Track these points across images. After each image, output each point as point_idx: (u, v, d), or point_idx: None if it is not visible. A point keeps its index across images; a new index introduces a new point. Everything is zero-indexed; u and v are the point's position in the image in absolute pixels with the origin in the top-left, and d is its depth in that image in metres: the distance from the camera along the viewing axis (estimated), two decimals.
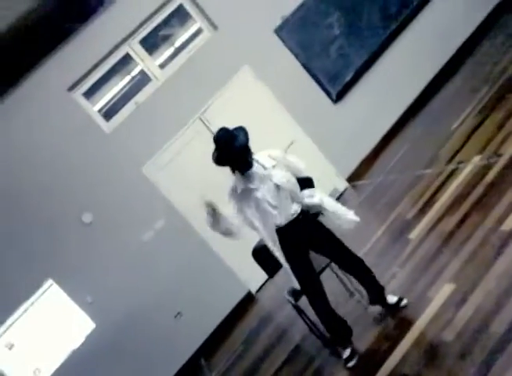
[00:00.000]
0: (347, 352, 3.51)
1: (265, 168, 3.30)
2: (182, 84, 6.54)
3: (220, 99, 6.80)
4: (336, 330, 3.58)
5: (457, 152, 5.05)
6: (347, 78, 7.20)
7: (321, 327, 4.02)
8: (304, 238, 3.42)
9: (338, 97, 7.17)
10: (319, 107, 7.05)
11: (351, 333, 3.58)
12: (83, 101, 6.41)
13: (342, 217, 3.49)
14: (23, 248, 5.70)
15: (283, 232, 3.34)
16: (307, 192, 3.44)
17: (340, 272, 4.12)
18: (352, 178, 7.04)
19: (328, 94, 7.16)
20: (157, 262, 6.10)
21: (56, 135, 6.04)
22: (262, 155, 3.40)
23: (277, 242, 3.34)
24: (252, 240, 4.30)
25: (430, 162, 5.43)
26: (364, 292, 4.08)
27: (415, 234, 4.31)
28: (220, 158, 3.31)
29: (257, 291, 6.46)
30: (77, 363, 5.64)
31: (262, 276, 4.31)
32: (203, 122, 6.72)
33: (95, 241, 5.99)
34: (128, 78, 6.94)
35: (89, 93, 6.54)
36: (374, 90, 7.12)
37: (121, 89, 6.86)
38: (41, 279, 5.79)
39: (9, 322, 5.66)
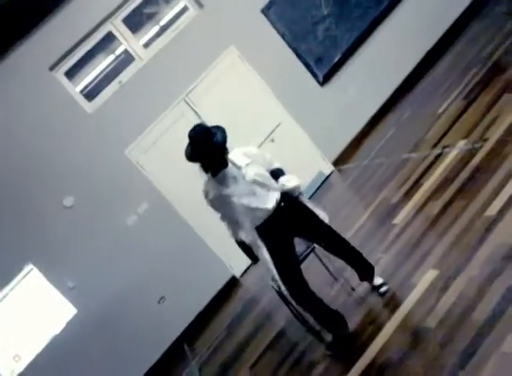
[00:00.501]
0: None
1: (238, 167, 3.22)
2: (167, 64, 6.41)
3: (205, 80, 6.68)
4: (328, 319, 3.49)
5: (443, 136, 5.00)
6: (335, 60, 7.10)
7: (305, 313, 4.00)
8: (290, 224, 3.35)
9: (325, 79, 7.08)
10: (305, 89, 6.96)
11: (343, 319, 3.51)
12: (65, 81, 6.26)
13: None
14: (2, 232, 5.59)
15: (265, 227, 3.26)
16: (284, 178, 3.37)
17: (323, 257, 4.08)
18: (338, 162, 6.99)
19: (315, 76, 7.07)
20: (140, 246, 6.02)
21: (37, 116, 5.90)
22: (236, 153, 3.31)
23: (258, 239, 3.27)
24: None
25: (415, 146, 5.38)
26: (347, 275, 4.07)
27: (400, 219, 4.28)
28: (194, 154, 3.19)
29: (241, 275, 6.43)
30: (57, 349, 5.58)
31: (246, 260, 4.24)
32: (188, 104, 6.61)
33: (77, 225, 5.89)
34: (111, 58, 6.78)
35: (71, 73, 6.38)
36: (361, 73, 7.04)
37: (104, 69, 6.72)
38: (21, 263, 5.69)
39: None
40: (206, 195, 3.31)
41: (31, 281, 5.74)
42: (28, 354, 5.67)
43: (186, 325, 6.06)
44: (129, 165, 6.22)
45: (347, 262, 3.65)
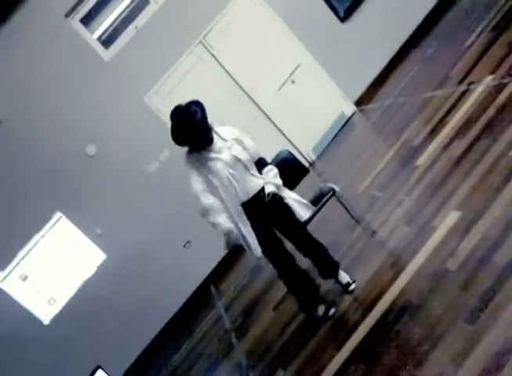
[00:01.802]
0: (320, 310, 3.50)
1: (225, 140, 3.18)
2: (182, 6, 6.24)
3: (222, 21, 6.51)
4: (304, 295, 3.55)
5: (469, 72, 4.81)
6: None
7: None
8: (265, 214, 3.29)
9: (346, 15, 6.82)
10: (325, 27, 6.73)
11: (317, 292, 3.59)
12: (81, 28, 6.17)
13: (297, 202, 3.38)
14: (30, 183, 5.72)
15: (247, 206, 3.23)
16: (266, 168, 3.32)
17: (344, 201, 4.07)
18: (360, 102, 6.84)
19: (335, 12, 6.81)
20: (163, 192, 6.09)
21: (55, 65, 5.88)
22: (222, 129, 3.26)
23: (243, 215, 3.22)
24: None
25: (440, 83, 5.20)
26: (369, 219, 4.07)
27: (422, 160, 4.19)
28: (182, 138, 3.16)
29: None
30: (89, 293, 5.82)
31: None
32: (205, 47, 6.49)
33: (101, 173, 5.98)
34: (126, 2, 6.61)
35: (87, 20, 6.27)
36: (383, 8, 6.74)
37: (120, 14, 6.57)
38: (50, 212, 5.86)
39: (21, 255, 5.78)
40: (190, 159, 3.22)
41: (61, 229, 5.91)
42: (62, 297, 5.93)
43: (212, 268, 6.21)
44: (149, 112, 6.21)
45: (313, 260, 3.59)
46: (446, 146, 4.05)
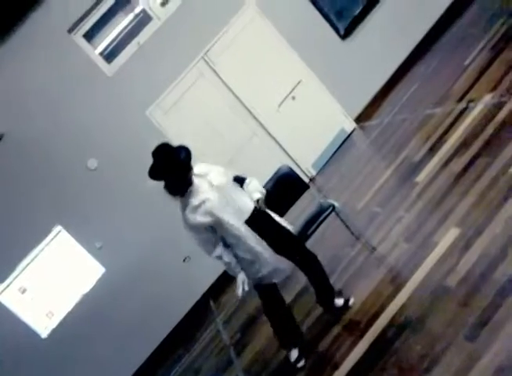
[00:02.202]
0: (294, 354, 3.50)
1: (203, 176, 3.19)
2: (184, 23, 6.31)
3: (224, 37, 6.58)
4: (286, 334, 3.55)
5: (469, 90, 4.85)
6: (356, 12, 6.89)
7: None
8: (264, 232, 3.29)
9: (346, 33, 6.89)
10: (326, 44, 6.80)
11: (301, 336, 3.59)
12: (83, 43, 6.23)
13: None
14: (31, 196, 5.73)
15: (251, 220, 3.22)
16: (246, 181, 3.35)
17: (344, 217, 4.08)
18: (360, 119, 6.88)
19: (336, 30, 6.89)
20: (164, 207, 6.05)
21: (57, 80, 5.93)
22: (196, 167, 3.26)
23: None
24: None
25: (440, 101, 5.25)
26: (369, 235, 4.08)
27: (422, 177, 4.22)
28: (158, 172, 3.12)
29: None
30: (88, 307, 5.80)
31: None
32: (207, 62, 6.54)
33: (102, 187, 5.99)
34: (129, 18, 6.69)
35: (90, 35, 6.34)
36: (383, 25, 6.82)
37: (122, 30, 6.64)
38: (50, 225, 5.86)
39: (20, 267, 5.77)
40: (184, 211, 3.19)
41: (60, 242, 5.91)
42: (60, 311, 5.91)
43: (211, 282, 6.19)
44: (150, 126, 6.25)
45: (310, 278, 3.58)
46: (446, 163, 4.08)
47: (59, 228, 5.87)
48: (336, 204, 3.93)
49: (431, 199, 3.80)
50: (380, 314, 3.17)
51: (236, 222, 3.16)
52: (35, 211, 5.73)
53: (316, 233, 3.94)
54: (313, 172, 6.83)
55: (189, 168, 3.12)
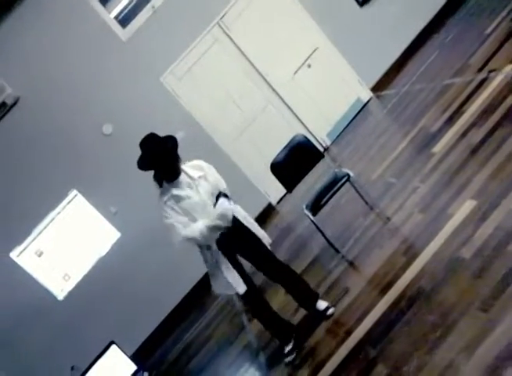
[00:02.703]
0: (289, 347, 3.53)
1: (192, 178, 3.23)
2: None
3: (239, 2, 6.47)
4: (279, 331, 3.59)
5: (489, 60, 4.75)
6: None
7: (338, 242, 4.06)
8: (231, 243, 3.33)
9: (365, 0, 6.72)
10: (344, 11, 6.66)
11: (294, 330, 3.61)
12: (99, 7, 6.15)
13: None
14: (47, 160, 5.78)
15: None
16: (219, 203, 3.27)
17: (358, 187, 4.08)
18: (377, 88, 6.79)
19: None
20: None
21: (73, 43, 5.91)
22: (188, 167, 3.30)
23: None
24: (272, 154, 4.26)
25: (459, 70, 5.15)
26: (383, 205, 4.07)
27: (439, 147, 4.17)
28: (147, 161, 3.16)
29: (278, 202, 6.51)
30: (104, 270, 5.90)
31: (282, 188, 4.29)
32: (222, 28, 6.45)
33: (116, 153, 6.00)
34: None
35: None
36: None
37: None
38: (66, 189, 5.92)
39: (37, 231, 5.86)
40: (162, 198, 3.21)
41: (76, 206, 5.99)
42: (77, 274, 6.02)
43: None
44: (165, 93, 6.22)
45: (286, 289, 3.59)
46: (464, 134, 4.03)
47: (74, 192, 5.93)
48: (351, 174, 3.92)
49: (448, 170, 3.77)
50: (392, 285, 3.19)
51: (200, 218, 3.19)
52: (51, 175, 5.79)
53: (330, 202, 3.95)
54: (328, 142, 6.79)
55: (177, 157, 3.19)
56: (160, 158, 3.13)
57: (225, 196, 3.33)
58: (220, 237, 3.26)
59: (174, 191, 3.18)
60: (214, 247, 3.27)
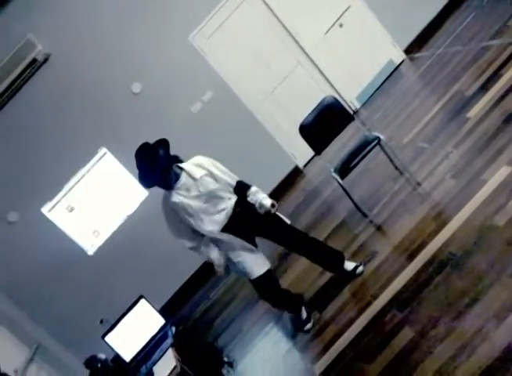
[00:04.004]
0: (304, 315, 3.59)
1: (194, 178, 3.16)
2: None
3: None
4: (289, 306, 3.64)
5: None
6: None
7: (366, 206, 4.04)
8: (247, 227, 3.32)
9: None
10: None
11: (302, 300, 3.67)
12: None
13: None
14: (77, 119, 5.82)
15: (225, 229, 3.27)
16: (257, 193, 3.29)
17: (389, 151, 4.02)
18: (410, 50, 6.60)
19: None
20: (204, 134, 6.11)
21: (103, 3, 5.85)
22: (189, 164, 3.23)
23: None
24: (299, 116, 4.21)
25: (498, 32, 4.97)
26: (414, 169, 4.02)
27: (474, 112, 4.07)
28: (149, 181, 3.21)
29: (305, 166, 6.48)
30: (132, 228, 6.00)
31: (309, 151, 4.26)
32: None
33: (145, 111, 6.01)
34: None
35: None
36: None
37: None
38: (96, 147, 5.98)
39: (68, 187, 5.97)
40: (165, 204, 3.27)
41: (106, 164, 6.05)
42: (106, 230, 6.15)
43: None
44: (193, 52, 6.15)
45: (314, 261, 3.58)
46: (500, 99, 3.92)
47: (104, 150, 5.99)
48: (381, 137, 3.87)
49: (482, 136, 3.69)
50: (421, 250, 3.18)
51: (212, 228, 3.24)
52: (81, 133, 5.84)
53: (359, 166, 3.92)
54: (357, 105, 6.67)
55: (171, 164, 3.16)
56: (159, 174, 3.12)
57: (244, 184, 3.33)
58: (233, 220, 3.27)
59: (176, 197, 3.19)
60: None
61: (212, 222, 3.23)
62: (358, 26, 6.57)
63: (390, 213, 3.89)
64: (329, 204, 5.09)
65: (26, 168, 5.75)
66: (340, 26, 6.60)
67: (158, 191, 5.70)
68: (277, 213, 3.37)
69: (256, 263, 3.33)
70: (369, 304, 3.21)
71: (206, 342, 4.63)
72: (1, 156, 5.72)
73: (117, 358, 3.83)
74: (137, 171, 3.23)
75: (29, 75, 5.63)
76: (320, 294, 3.79)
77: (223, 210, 3.24)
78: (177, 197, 3.19)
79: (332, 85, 6.61)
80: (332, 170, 4.03)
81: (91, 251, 6.11)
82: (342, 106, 4.23)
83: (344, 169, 3.93)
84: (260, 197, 3.27)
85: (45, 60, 5.68)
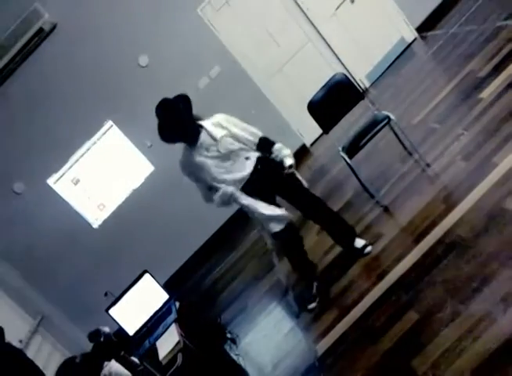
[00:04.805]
0: (314, 290, 3.60)
1: (214, 138, 3.12)
2: None
3: None
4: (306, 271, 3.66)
5: None
6: None
7: (373, 187, 4.01)
8: (267, 185, 3.31)
9: None
10: None
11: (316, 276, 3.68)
12: None
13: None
14: (83, 91, 5.77)
15: (245, 188, 3.25)
16: (282, 148, 3.30)
17: (398, 131, 3.97)
18: (423, 28, 6.47)
19: None
20: (212, 109, 6.01)
21: None
22: (209, 123, 3.18)
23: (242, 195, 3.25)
24: (307, 93, 4.15)
25: None
26: (423, 151, 3.97)
27: (487, 93, 3.99)
28: (169, 135, 3.16)
29: (312, 144, 6.42)
30: (137, 202, 6.00)
31: (317, 129, 4.21)
32: None
33: (152, 85, 5.92)
34: None
35: None
36: None
37: None
38: (102, 120, 5.93)
39: (73, 159, 5.94)
40: (183, 164, 3.28)
41: (112, 137, 6.01)
42: (111, 204, 6.15)
43: None
44: (201, 25, 6.04)
45: (326, 229, 3.58)
46: None
47: (110, 123, 5.94)
48: (391, 116, 3.81)
49: (495, 118, 3.62)
50: (429, 231, 3.15)
51: (232, 188, 3.21)
52: (87, 105, 5.78)
53: (368, 145, 3.86)
54: (367, 84, 6.57)
55: (190, 122, 3.12)
56: (180, 127, 3.09)
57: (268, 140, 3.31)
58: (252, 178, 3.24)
59: (195, 157, 3.17)
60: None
61: (232, 181, 3.21)
62: (370, 2, 6.43)
63: (398, 194, 3.85)
64: (335, 184, 5.05)
65: (32, 139, 5.73)
66: (352, 1, 6.47)
67: (165, 165, 5.67)
68: (297, 176, 3.36)
69: (275, 218, 3.31)
70: (374, 284, 3.19)
71: (209, 318, 4.65)
72: (8, 126, 5.69)
73: (121, 331, 3.85)
74: (156, 127, 3.19)
75: (35, 45, 5.56)
76: (326, 272, 3.77)
77: (243, 168, 3.22)
78: (195, 156, 3.17)
79: (342, 63, 6.51)
80: (340, 149, 3.98)
81: (96, 225, 6.12)
82: (352, 83, 4.15)
83: (353, 148, 3.87)
84: (284, 153, 3.27)
85: (52, 30, 5.60)
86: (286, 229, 3.36)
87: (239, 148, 3.21)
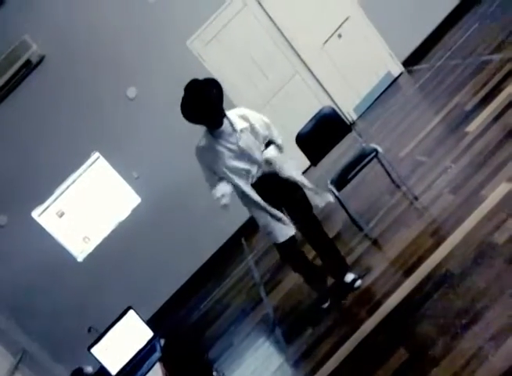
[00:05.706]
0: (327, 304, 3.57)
1: (234, 129, 3.06)
2: None
3: None
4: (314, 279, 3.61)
5: None
6: None
7: (362, 219, 3.97)
8: (271, 193, 3.25)
9: None
10: None
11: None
12: None
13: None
14: (71, 122, 5.75)
15: (256, 185, 3.20)
16: (267, 149, 3.21)
17: (386, 163, 3.96)
18: (409, 62, 6.56)
19: None
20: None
21: (99, 4, 5.77)
22: (233, 114, 3.12)
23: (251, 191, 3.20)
24: (296, 125, 4.15)
25: (498, 47, 4.93)
26: (411, 184, 3.96)
27: (473, 127, 4.02)
28: (190, 112, 2.98)
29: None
30: (123, 235, 5.91)
31: (304, 162, 4.20)
32: None
33: (140, 117, 5.94)
34: None
35: None
36: None
37: None
38: (88, 151, 5.89)
39: (59, 191, 5.87)
40: (199, 149, 3.15)
41: (98, 169, 5.97)
42: (96, 236, 6.05)
43: (244, 221, 6.18)
44: (191, 57, 6.09)
45: (321, 255, 3.54)
46: (500, 114, 3.87)
47: (97, 154, 5.90)
48: (379, 149, 3.80)
49: (482, 151, 3.63)
50: (418, 266, 3.11)
51: (243, 185, 3.15)
52: (74, 137, 5.76)
53: (356, 178, 3.85)
54: (354, 116, 6.62)
55: (219, 107, 2.99)
56: (207, 108, 2.95)
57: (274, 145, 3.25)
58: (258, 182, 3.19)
59: (213, 144, 3.08)
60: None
61: (245, 173, 3.15)
62: (357, 37, 6.54)
63: (386, 227, 3.82)
64: (324, 216, 4.97)
65: (17, 171, 5.66)
66: (339, 36, 6.57)
67: (151, 196, 5.62)
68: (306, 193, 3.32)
69: (280, 228, 3.25)
70: (362, 321, 3.12)
71: (195, 355, 4.52)
72: None
73: (103, 371, 3.72)
74: (180, 104, 3.03)
75: (23, 76, 5.55)
76: (314, 307, 3.69)
77: (251, 170, 3.16)
78: (213, 143, 3.08)
79: (329, 96, 6.57)
80: (329, 181, 3.95)
81: (80, 258, 6.00)
82: (340, 116, 4.16)
83: (341, 181, 3.86)
84: (270, 153, 3.18)
85: (40, 61, 5.60)
86: (289, 241, 3.30)
87: (256, 147, 3.14)
